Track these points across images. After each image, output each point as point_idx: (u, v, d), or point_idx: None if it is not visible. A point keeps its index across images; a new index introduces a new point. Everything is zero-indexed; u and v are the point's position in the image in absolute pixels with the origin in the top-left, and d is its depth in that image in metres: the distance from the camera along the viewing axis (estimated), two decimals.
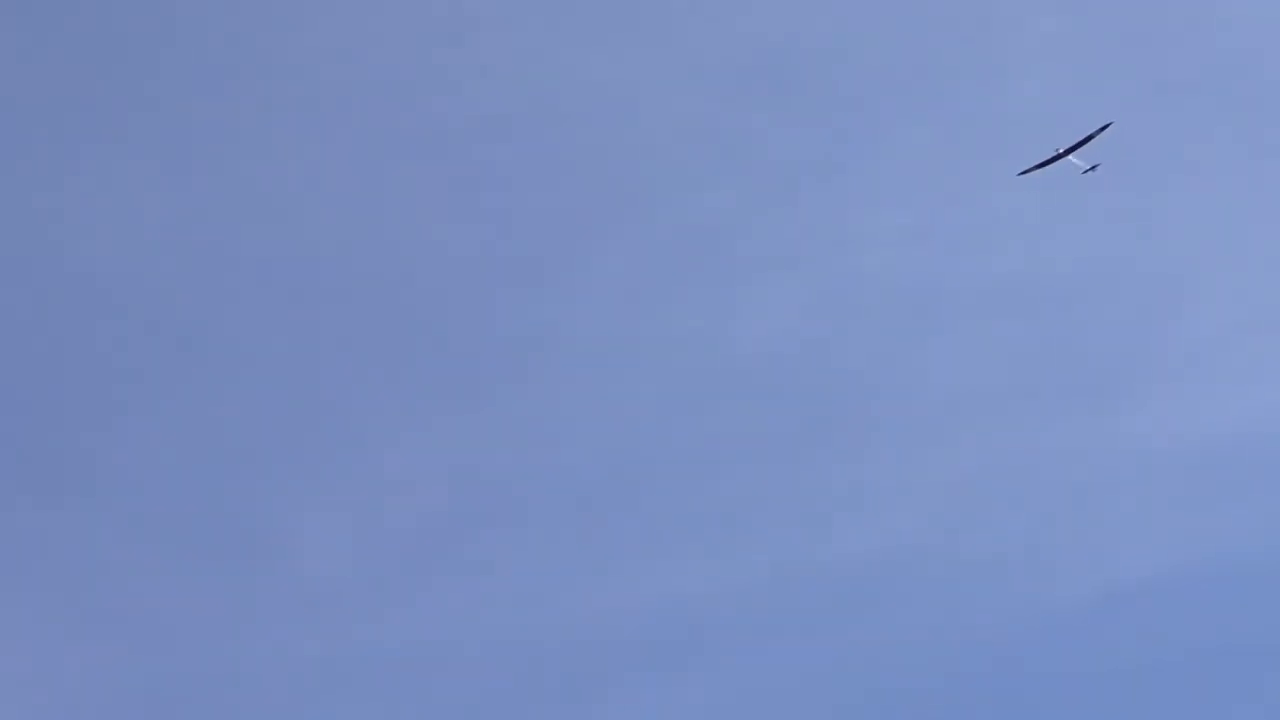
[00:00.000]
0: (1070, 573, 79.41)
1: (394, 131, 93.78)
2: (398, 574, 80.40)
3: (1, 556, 78.61)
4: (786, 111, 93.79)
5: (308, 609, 78.68)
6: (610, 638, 78.31)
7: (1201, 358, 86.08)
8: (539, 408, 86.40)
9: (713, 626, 78.90)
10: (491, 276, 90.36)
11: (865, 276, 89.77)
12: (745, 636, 78.63)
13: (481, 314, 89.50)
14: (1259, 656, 75.97)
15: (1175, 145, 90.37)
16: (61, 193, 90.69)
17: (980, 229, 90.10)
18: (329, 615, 78.66)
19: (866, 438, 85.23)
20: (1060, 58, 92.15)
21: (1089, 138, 77.66)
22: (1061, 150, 78.11)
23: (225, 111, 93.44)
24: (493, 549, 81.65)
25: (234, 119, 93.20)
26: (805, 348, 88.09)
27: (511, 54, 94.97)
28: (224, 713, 76.02)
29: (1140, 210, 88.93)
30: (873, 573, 79.74)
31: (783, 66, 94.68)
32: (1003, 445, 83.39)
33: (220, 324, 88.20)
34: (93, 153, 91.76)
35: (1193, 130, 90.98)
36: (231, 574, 79.59)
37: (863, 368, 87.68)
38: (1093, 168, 78.07)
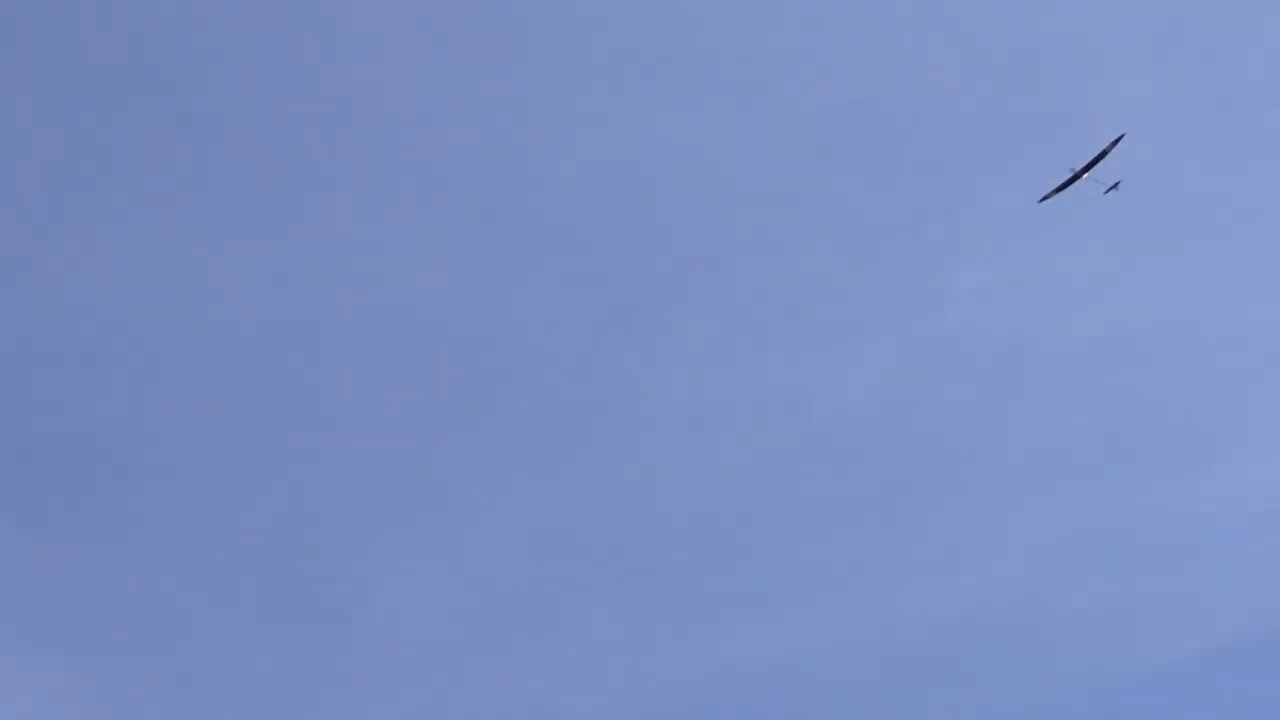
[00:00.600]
0: (1159, 634, 78.87)
1: (481, 195, 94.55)
2: (487, 635, 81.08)
3: (90, 618, 79.56)
4: (869, 173, 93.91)
5: (395, 671, 79.28)
6: (697, 698, 78.50)
7: None
8: (625, 470, 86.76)
9: (799, 687, 78.85)
10: (578, 339, 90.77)
11: (948, 337, 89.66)
12: (831, 697, 78.58)
13: (568, 376, 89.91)
14: None
15: (1268, 206, 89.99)
16: (156, 253, 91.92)
17: (1063, 288, 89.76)
18: (418, 677, 79.28)
19: (951, 499, 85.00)
20: (1143, 114, 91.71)
21: (1103, 154, 76.36)
22: (1078, 169, 76.81)
23: (318, 173, 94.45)
24: (579, 610, 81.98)
25: (327, 181, 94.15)
26: (889, 409, 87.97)
27: (598, 118, 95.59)
28: None
29: (1227, 270, 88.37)
30: (959, 634, 79.57)
31: (864, 128, 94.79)
32: (1089, 506, 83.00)
33: (310, 385, 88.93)
34: (186, 215, 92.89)
35: None
36: (321, 636, 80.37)
37: (947, 429, 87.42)
38: (1114, 186, 76.65)
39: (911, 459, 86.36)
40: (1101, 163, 76.78)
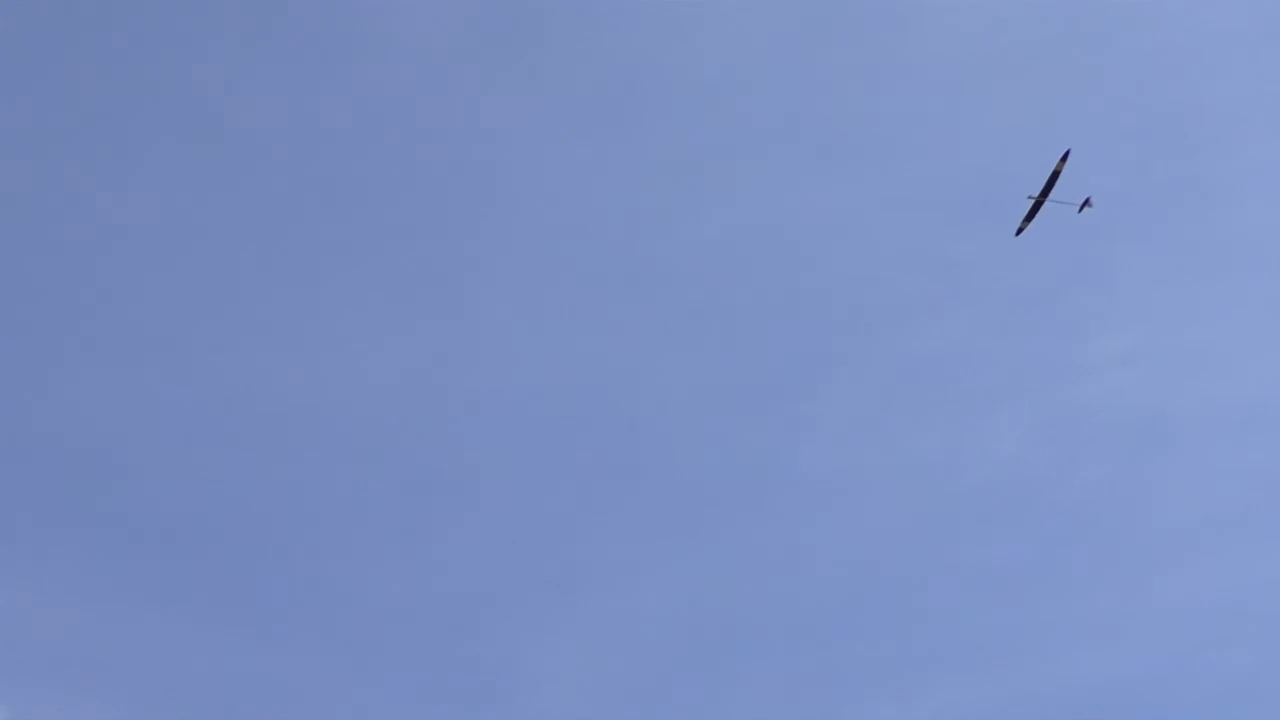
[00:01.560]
0: None
1: (624, 263, 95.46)
2: (634, 706, 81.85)
3: (238, 696, 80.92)
4: (1008, 239, 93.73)
5: None
6: None
7: None
8: (770, 538, 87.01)
9: None
10: (721, 407, 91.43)
11: (1092, 402, 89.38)
12: None
13: (711, 444, 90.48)
14: None
15: None
16: (302, 330, 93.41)
17: (1206, 355, 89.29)
18: None
19: (1095, 566, 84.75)
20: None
21: (1055, 174, 75.04)
22: (1037, 195, 75.55)
23: (461, 247, 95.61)
24: (727, 679, 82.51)
25: (473, 255, 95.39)
26: (1031, 476, 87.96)
27: (740, 186, 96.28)
28: None
29: None
30: (1103, 702, 79.30)
31: (1002, 195, 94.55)
32: (1234, 574, 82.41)
33: (453, 460, 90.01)
34: (336, 292, 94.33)
35: None
36: (470, 712, 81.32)
37: (1092, 495, 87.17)
38: (1086, 203, 75.58)
39: (1055, 526, 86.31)
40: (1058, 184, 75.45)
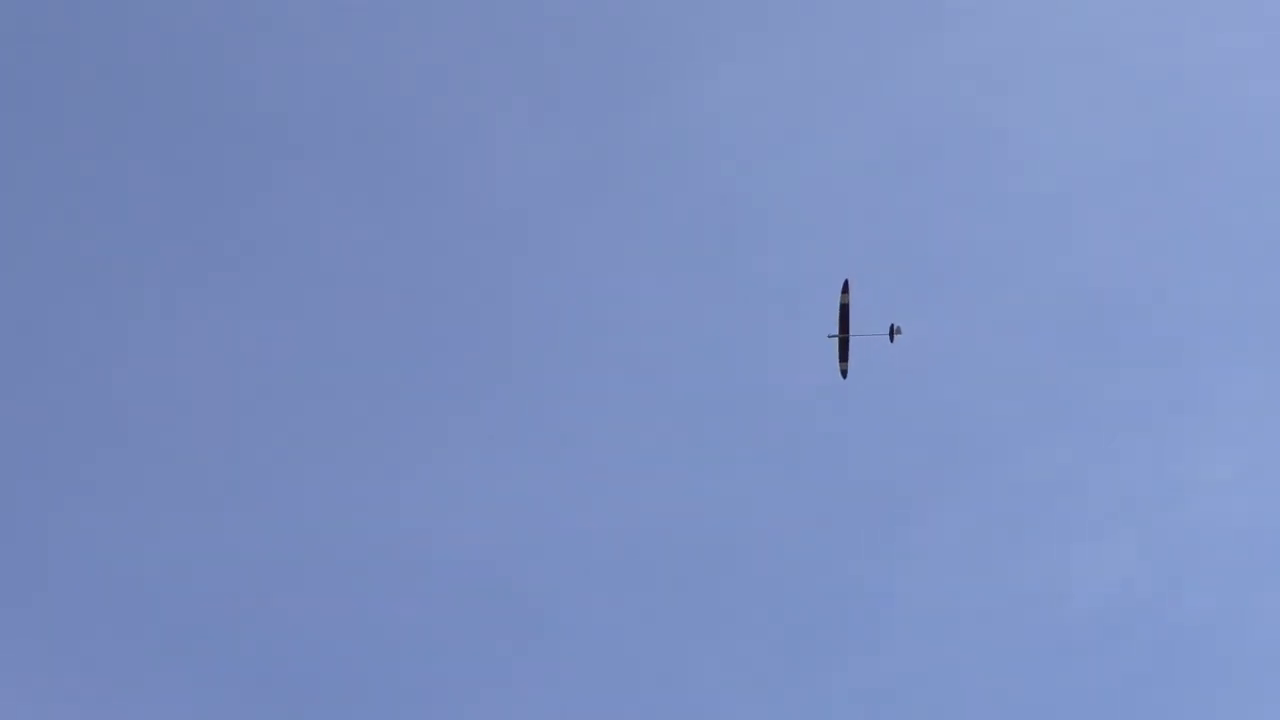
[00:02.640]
0: None
1: (724, 392, 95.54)
2: None
3: None
4: (1112, 361, 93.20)
5: None
6: None
7: None
8: (878, 672, 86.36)
9: None
10: (826, 538, 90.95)
11: (1203, 526, 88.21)
12: None
13: (816, 576, 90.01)
14: None
15: None
16: (403, 470, 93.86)
17: None
18: None
19: (1211, 693, 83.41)
20: None
21: (843, 307, 74.08)
22: (836, 334, 74.51)
23: (547, 382, 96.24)
24: None
25: (556, 388, 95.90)
26: (1141, 602, 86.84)
27: (833, 315, 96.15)
28: None
29: None
30: None
31: (1107, 315, 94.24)
32: None
33: (570, 592, 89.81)
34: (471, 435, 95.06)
35: None
36: None
37: (1204, 621, 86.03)
38: (896, 331, 74.27)
39: (1171, 654, 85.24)
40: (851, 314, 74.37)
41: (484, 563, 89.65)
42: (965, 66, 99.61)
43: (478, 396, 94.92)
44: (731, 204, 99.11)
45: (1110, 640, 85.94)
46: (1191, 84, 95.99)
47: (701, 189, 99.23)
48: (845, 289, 73.65)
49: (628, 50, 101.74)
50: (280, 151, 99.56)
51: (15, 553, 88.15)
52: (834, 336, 74.55)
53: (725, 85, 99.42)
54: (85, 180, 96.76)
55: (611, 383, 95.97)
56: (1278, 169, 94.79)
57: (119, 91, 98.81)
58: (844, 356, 74.87)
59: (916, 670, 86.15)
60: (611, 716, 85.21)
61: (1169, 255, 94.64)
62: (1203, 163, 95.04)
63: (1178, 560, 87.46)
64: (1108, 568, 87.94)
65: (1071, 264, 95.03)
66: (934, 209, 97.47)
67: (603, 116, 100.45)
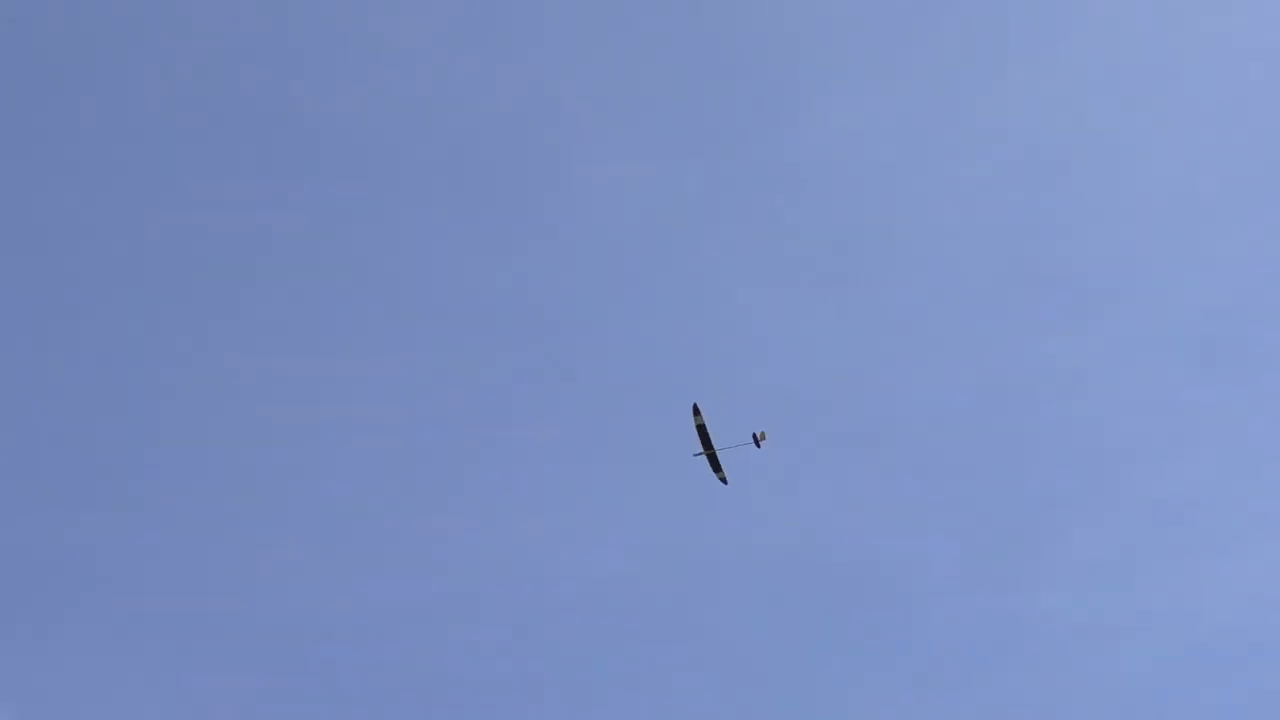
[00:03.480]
0: None
1: (858, 422, 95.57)
2: None
3: None
4: (1241, 378, 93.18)
5: None
6: None
7: None
8: (1015, 693, 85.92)
9: None
10: (959, 561, 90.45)
11: None
12: None
13: (950, 599, 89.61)
14: None
15: None
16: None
17: None
18: None
19: None
20: None
21: (700, 428, 75.20)
22: (700, 452, 75.71)
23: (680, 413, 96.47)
24: None
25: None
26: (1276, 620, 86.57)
27: (967, 343, 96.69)
28: None
29: None
30: None
31: (1231, 334, 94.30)
32: None
33: (682, 616, 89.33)
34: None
35: None
36: None
37: None
38: (761, 437, 74.85)
39: None
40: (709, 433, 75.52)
41: (607, 585, 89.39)
42: (1083, 82, 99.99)
43: (600, 421, 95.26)
44: (855, 230, 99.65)
45: (1253, 655, 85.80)
46: None
47: (825, 216, 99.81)
48: (696, 411, 75.34)
49: (745, 78, 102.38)
50: (402, 183, 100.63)
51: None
52: (699, 455, 75.89)
53: (841, 111, 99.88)
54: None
55: (738, 408, 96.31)
56: None
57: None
58: (717, 468, 76.31)
59: (1058, 691, 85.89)
60: None
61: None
62: None
63: None
64: (1244, 584, 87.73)
65: (1193, 282, 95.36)
66: (1062, 226, 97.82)
67: (722, 145, 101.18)
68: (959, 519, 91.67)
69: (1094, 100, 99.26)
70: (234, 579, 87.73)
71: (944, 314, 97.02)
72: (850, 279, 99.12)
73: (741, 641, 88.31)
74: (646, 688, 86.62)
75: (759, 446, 75.38)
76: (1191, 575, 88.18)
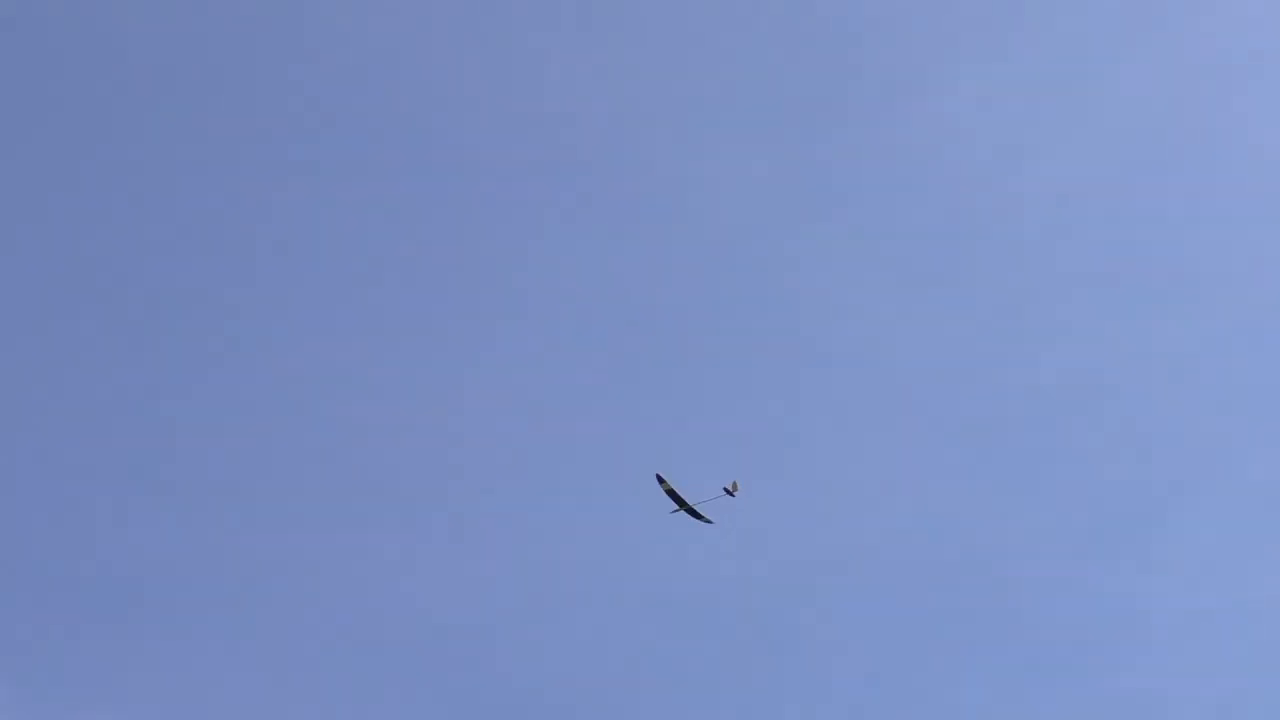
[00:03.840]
0: None
1: (962, 408, 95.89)
2: None
3: None
4: None
5: None
6: None
7: None
8: (1125, 684, 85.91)
9: None
10: (1065, 551, 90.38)
11: None
12: None
13: (1057, 590, 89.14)
14: None
15: None
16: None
17: None
18: None
19: None
20: None
21: (669, 493, 76.52)
22: (676, 509, 77.08)
23: (792, 401, 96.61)
24: None
25: (802, 412, 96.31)
26: None
27: (1066, 331, 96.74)
28: None
29: None
30: None
31: None
32: None
33: (801, 610, 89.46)
34: None
35: None
36: None
37: None
38: (733, 487, 76.15)
39: None
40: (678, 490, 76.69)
41: (723, 579, 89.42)
42: (1200, 64, 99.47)
43: (709, 412, 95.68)
44: (965, 212, 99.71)
45: None
46: None
47: (936, 198, 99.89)
48: (660, 480, 77.06)
49: (852, 59, 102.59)
50: (504, 176, 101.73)
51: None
52: (676, 511, 77.60)
53: (957, 92, 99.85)
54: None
55: (845, 397, 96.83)
56: None
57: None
58: (698, 516, 77.78)
59: (1167, 684, 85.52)
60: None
61: None
62: None
63: None
64: None
65: None
66: (1174, 212, 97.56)
67: (829, 127, 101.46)
68: (1069, 507, 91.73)
69: (1214, 80, 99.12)
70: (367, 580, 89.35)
71: (1051, 301, 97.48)
72: (959, 266, 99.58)
73: (852, 629, 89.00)
74: (763, 679, 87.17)
75: (733, 496, 76.89)
76: None
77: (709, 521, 78.04)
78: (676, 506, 77.73)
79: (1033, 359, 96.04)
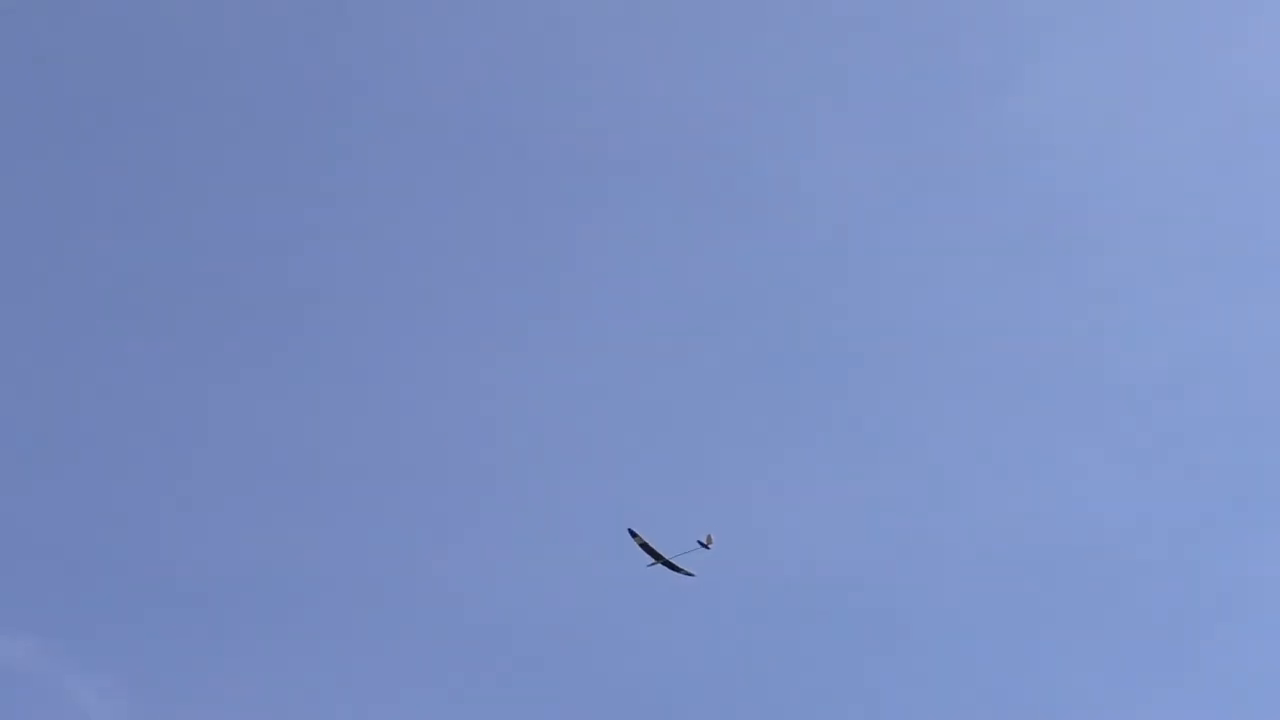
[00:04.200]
0: None
1: (1069, 393, 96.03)
2: None
3: None
4: None
5: None
6: None
7: None
8: (1229, 673, 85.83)
9: None
10: (1173, 538, 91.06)
11: None
12: None
13: (1166, 577, 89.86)
14: None
15: None
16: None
17: None
18: None
19: None
20: None
21: (643, 546, 76.88)
22: (652, 563, 77.42)
23: (897, 392, 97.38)
24: None
25: (908, 403, 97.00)
26: None
27: (1167, 316, 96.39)
28: None
29: None
30: None
31: None
32: None
33: (920, 601, 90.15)
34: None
35: None
36: None
37: None
38: (708, 541, 76.43)
39: None
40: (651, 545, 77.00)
41: (843, 573, 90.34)
42: None
43: (817, 403, 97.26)
44: (1057, 204, 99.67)
45: None
46: None
47: (1027, 192, 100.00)
48: (633, 534, 77.62)
49: (945, 56, 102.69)
50: (608, 173, 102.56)
51: None
52: (652, 565, 78.15)
53: (1043, 87, 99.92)
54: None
55: (949, 387, 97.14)
56: None
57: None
58: (676, 569, 78.27)
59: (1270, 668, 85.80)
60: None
61: None
62: None
63: None
64: None
65: None
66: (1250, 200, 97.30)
67: (924, 122, 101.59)
68: (1184, 489, 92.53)
69: None
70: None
71: (1144, 289, 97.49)
72: (1055, 251, 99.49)
73: (976, 615, 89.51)
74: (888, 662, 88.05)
75: (708, 548, 77.36)
76: None
77: (689, 574, 78.56)
78: (653, 561, 78.37)
79: (1140, 342, 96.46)
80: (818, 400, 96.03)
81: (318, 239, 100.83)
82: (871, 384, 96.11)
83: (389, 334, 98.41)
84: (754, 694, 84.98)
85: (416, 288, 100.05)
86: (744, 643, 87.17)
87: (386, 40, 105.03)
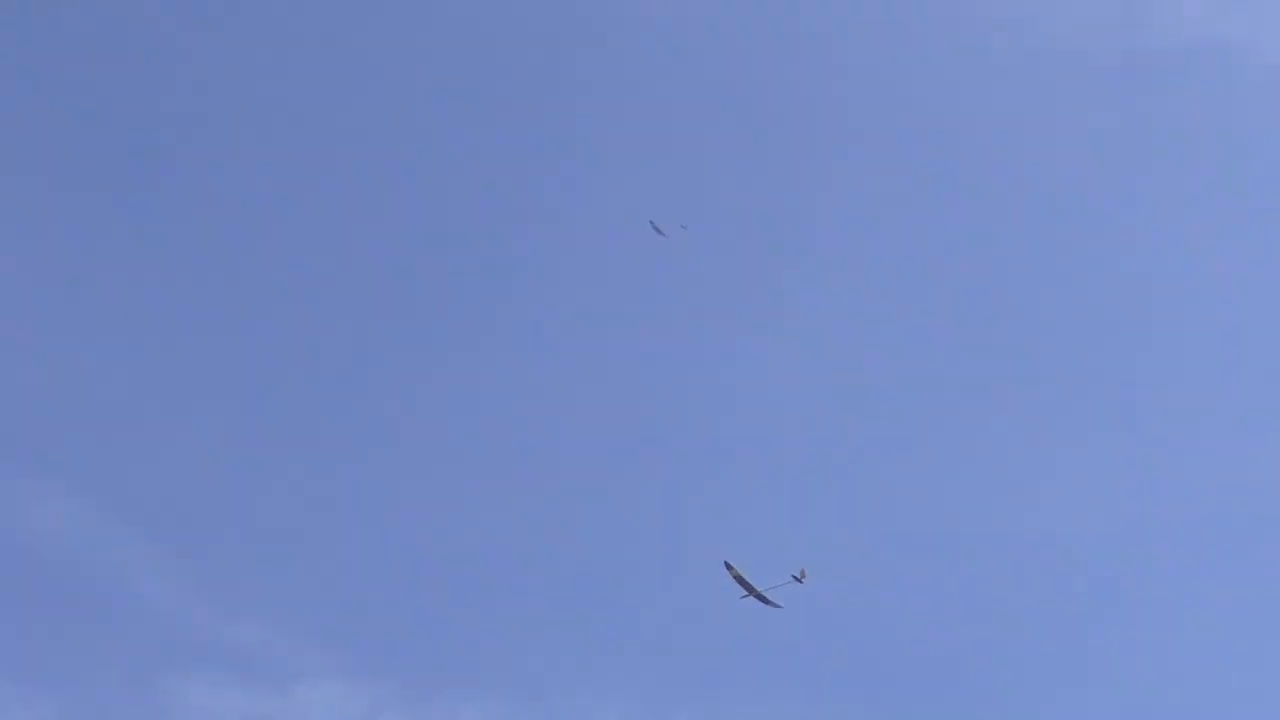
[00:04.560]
0: None
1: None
2: None
3: None
4: None
5: None
6: None
7: None
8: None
9: None
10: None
11: None
12: None
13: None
14: None
15: None
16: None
17: None
18: None
19: None
20: None
21: (738, 578, 79.93)
22: (745, 595, 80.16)
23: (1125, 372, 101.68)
24: None
25: (1134, 383, 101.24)
26: None
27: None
28: None
29: None
30: None
31: None
32: None
33: (1128, 581, 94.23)
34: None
35: None
36: None
37: None
38: (802, 575, 79.02)
39: None
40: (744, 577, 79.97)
41: (1057, 549, 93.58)
42: None
43: (1041, 383, 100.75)
44: None
45: None
46: None
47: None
48: (729, 567, 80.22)
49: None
50: (843, 153, 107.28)
51: None
52: (746, 596, 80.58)
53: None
54: None
55: (1176, 367, 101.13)
56: None
57: None
58: (766, 601, 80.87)
59: None
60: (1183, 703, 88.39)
61: None
62: None
63: None
64: None
65: None
66: None
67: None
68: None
69: None
70: None
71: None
72: None
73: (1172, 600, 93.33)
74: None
75: (801, 582, 79.80)
76: None
77: (777, 606, 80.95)
78: (746, 593, 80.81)
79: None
80: (1034, 376, 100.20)
81: None
82: (1093, 362, 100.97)
83: None
84: None
85: None
86: None
87: None
